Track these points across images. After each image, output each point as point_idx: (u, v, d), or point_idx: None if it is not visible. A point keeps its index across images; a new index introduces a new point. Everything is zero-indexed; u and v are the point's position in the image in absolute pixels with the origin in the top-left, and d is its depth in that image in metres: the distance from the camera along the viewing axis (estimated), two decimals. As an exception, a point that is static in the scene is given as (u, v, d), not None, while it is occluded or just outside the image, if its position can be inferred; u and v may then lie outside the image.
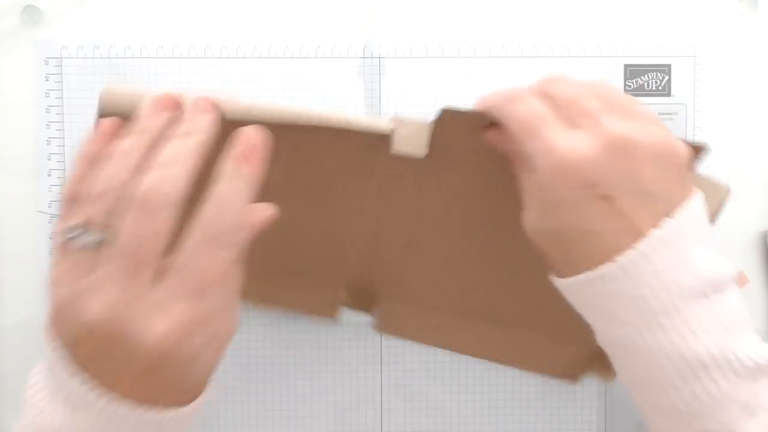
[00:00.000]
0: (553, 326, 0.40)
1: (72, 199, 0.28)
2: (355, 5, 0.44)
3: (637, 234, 0.28)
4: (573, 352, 0.41)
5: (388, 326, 0.42)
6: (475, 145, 0.34)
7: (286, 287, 0.40)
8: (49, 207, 0.43)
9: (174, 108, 0.30)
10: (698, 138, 0.44)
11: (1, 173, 0.44)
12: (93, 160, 0.29)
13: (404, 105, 0.44)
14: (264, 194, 0.30)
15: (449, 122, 0.34)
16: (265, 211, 0.31)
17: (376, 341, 0.44)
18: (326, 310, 0.41)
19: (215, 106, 0.30)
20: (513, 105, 0.30)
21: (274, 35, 0.44)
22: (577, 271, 0.29)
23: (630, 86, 0.44)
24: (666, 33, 0.44)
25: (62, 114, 0.43)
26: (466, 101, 0.44)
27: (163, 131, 0.29)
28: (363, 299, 0.41)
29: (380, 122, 0.34)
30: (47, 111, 0.43)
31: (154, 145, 0.28)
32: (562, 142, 0.28)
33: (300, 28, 0.44)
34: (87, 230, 0.27)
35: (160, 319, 0.26)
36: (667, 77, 0.44)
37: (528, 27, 0.44)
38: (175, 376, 0.28)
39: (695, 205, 0.29)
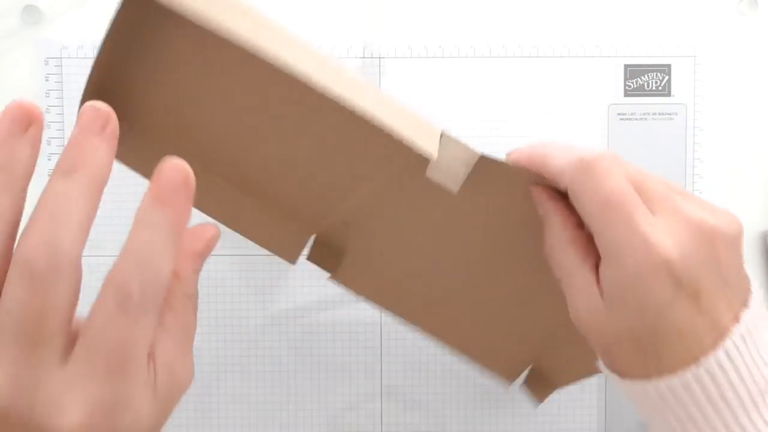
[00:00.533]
0: (514, 333, 0.38)
1: None
2: (355, 5, 0.44)
3: (720, 332, 0.25)
4: (518, 353, 0.40)
5: (343, 276, 0.38)
6: (512, 196, 0.31)
7: (253, 211, 0.36)
8: (49, 207, 0.43)
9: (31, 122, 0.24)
10: (698, 139, 0.44)
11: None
12: None
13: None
14: (262, 107, 0.27)
15: (490, 170, 0.30)
16: (199, 244, 0.27)
17: (376, 342, 0.44)
18: (287, 252, 0.37)
19: (111, 121, 0.24)
20: (592, 177, 0.26)
21: (274, 35, 0.44)
22: (652, 374, 0.26)
23: (630, 86, 0.44)
24: (666, 33, 0.44)
25: (62, 114, 0.43)
26: (466, 102, 0.44)
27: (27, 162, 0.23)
28: (328, 256, 0.37)
29: (425, 142, 0.30)
30: (47, 111, 0.43)
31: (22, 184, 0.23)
32: (658, 235, 0.25)
33: (300, 28, 0.44)
34: None
35: (71, 403, 0.22)
36: (667, 77, 0.44)
37: (528, 27, 0.44)
38: None
39: (755, 285, 0.28)
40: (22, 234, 0.23)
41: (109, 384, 0.22)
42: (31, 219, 0.23)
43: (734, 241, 0.26)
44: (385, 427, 0.44)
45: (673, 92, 0.44)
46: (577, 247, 0.28)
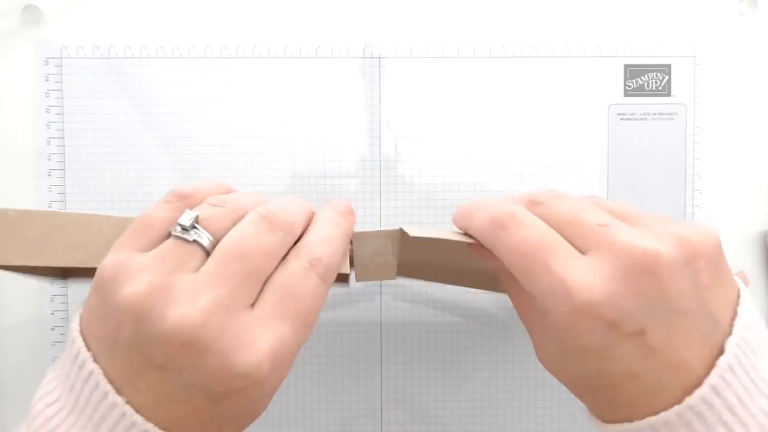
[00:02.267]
0: None
1: (184, 197, 0.27)
2: (355, 5, 0.44)
3: (688, 370, 0.23)
4: None
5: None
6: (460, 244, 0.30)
7: None
8: (49, 207, 0.43)
9: None
10: (698, 139, 0.44)
11: (1, 173, 0.44)
12: (222, 189, 0.29)
13: (404, 105, 0.44)
14: None
15: (412, 241, 0.29)
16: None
17: (376, 342, 0.44)
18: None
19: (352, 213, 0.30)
20: (505, 232, 0.26)
21: (274, 35, 0.44)
22: (627, 418, 0.24)
23: (630, 86, 0.44)
24: (666, 33, 0.44)
25: (62, 114, 0.43)
26: (466, 102, 0.44)
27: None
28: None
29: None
30: (47, 111, 0.43)
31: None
32: (576, 278, 0.23)
33: (300, 28, 0.44)
34: (200, 228, 0.25)
35: (263, 338, 0.24)
36: (667, 77, 0.44)
37: (528, 27, 0.44)
38: (251, 407, 0.25)
39: (746, 305, 0.25)
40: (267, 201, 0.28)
41: (293, 327, 0.25)
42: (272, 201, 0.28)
43: (683, 261, 0.23)
44: (385, 427, 0.44)
45: (673, 92, 0.44)
46: (529, 298, 0.27)
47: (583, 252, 0.25)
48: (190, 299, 0.23)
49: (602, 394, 0.25)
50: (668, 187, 0.44)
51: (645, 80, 0.44)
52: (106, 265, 0.25)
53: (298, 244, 0.27)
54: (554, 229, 0.25)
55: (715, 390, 0.22)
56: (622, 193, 0.44)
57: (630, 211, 0.26)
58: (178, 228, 0.25)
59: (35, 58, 0.43)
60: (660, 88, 0.44)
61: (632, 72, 0.44)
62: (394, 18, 0.44)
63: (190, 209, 0.26)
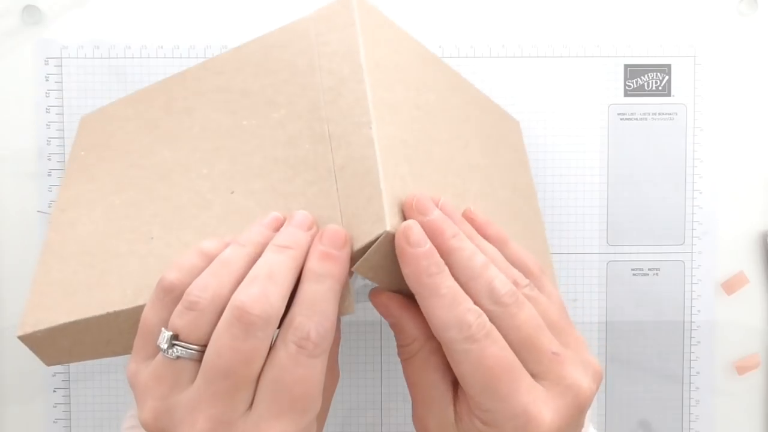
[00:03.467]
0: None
1: (169, 290, 0.27)
2: (355, 5, 0.44)
3: None
4: None
5: None
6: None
7: None
8: (49, 207, 0.43)
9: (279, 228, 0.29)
10: (698, 139, 0.44)
11: (1, 173, 0.44)
12: (206, 258, 0.28)
13: (404, 105, 0.44)
14: None
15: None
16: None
17: (376, 341, 0.44)
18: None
19: (314, 224, 0.28)
20: (478, 347, 0.26)
21: (274, 35, 0.44)
22: None
23: (630, 86, 0.44)
24: (666, 33, 0.44)
25: (62, 114, 0.43)
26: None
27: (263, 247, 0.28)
28: None
29: None
30: (47, 111, 0.43)
31: (253, 260, 0.27)
32: (538, 410, 0.26)
33: (300, 28, 0.44)
34: (182, 342, 0.26)
35: None
36: (667, 77, 0.44)
37: (528, 27, 0.44)
38: None
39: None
40: (241, 286, 0.26)
41: (293, 421, 0.25)
42: (251, 275, 0.26)
43: (589, 403, 0.28)
44: (385, 428, 0.44)
45: (673, 92, 0.44)
46: (437, 363, 0.28)
47: (535, 376, 0.27)
48: (190, 423, 0.25)
49: None
50: (668, 187, 0.44)
51: (645, 80, 0.44)
52: (128, 377, 0.28)
53: (285, 322, 0.26)
54: (512, 346, 0.26)
55: None
56: (623, 194, 0.44)
57: (565, 326, 0.29)
58: (164, 345, 0.26)
59: (35, 58, 0.43)
60: (660, 88, 0.44)
61: (632, 72, 0.44)
62: (393, 18, 0.44)
63: (178, 302, 0.27)
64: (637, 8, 0.44)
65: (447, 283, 0.26)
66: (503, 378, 0.26)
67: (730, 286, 0.44)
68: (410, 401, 0.30)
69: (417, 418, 0.29)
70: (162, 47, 0.43)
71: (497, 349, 0.26)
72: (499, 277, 0.27)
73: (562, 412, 0.26)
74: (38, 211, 0.44)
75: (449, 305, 0.26)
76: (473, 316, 0.26)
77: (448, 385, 0.28)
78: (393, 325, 0.29)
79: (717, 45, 0.44)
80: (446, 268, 0.27)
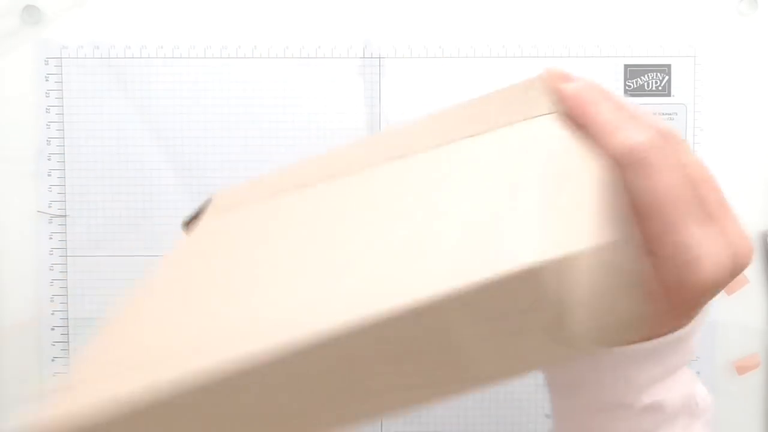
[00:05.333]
0: None
1: None
2: (355, 5, 0.44)
3: None
4: None
5: None
6: None
7: None
8: (49, 207, 0.43)
9: None
10: (698, 139, 0.44)
11: (1, 173, 0.44)
12: None
13: (404, 105, 0.44)
14: None
15: None
16: None
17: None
18: None
19: None
20: (650, 172, 0.24)
21: (274, 35, 0.44)
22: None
23: (630, 86, 0.44)
24: (666, 33, 0.44)
25: (62, 114, 0.43)
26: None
27: None
28: None
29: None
30: (47, 111, 0.43)
31: None
32: (709, 252, 0.24)
33: (300, 28, 0.44)
34: None
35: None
36: (667, 77, 0.44)
37: (528, 27, 0.44)
38: None
39: None
40: None
41: None
42: None
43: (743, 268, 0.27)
44: (385, 428, 0.44)
45: (673, 92, 0.44)
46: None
47: (702, 221, 0.25)
48: None
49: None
50: (668, 187, 0.44)
51: (645, 80, 0.44)
52: None
53: None
54: (693, 192, 0.25)
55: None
56: (622, 193, 0.44)
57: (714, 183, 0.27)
58: None
59: (35, 58, 0.43)
60: (660, 88, 0.44)
61: (632, 72, 0.44)
62: (394, 18, 0.44)
63: None
64: (637, 8, 0.44)
65: (609, 105, 0.25)
66: (673, 213, 0.24)
67: (730, 286, 0.44)
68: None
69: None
70: (162, 47, 0.43)
71: (668, 177, 0.24)
72: (659, 117, 0.26)
73: (721, 266, 0.24)
74: (38, 211, 0.44)
75: (618, 128, 0.24)
76: (645, 136, 0.24)
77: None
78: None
79: (717, 45, 0.44)
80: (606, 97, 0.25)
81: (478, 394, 0.44)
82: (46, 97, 0.43)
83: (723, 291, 0.44)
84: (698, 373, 0.44)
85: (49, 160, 0.43)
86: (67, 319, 0.44)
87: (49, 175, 0.43)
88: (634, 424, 0.26)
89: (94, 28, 0.44)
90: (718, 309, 0.44)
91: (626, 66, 0.44)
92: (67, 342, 0.43)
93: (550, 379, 0.28)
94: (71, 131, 0.43)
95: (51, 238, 0.43)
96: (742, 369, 0.44)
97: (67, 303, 0.44)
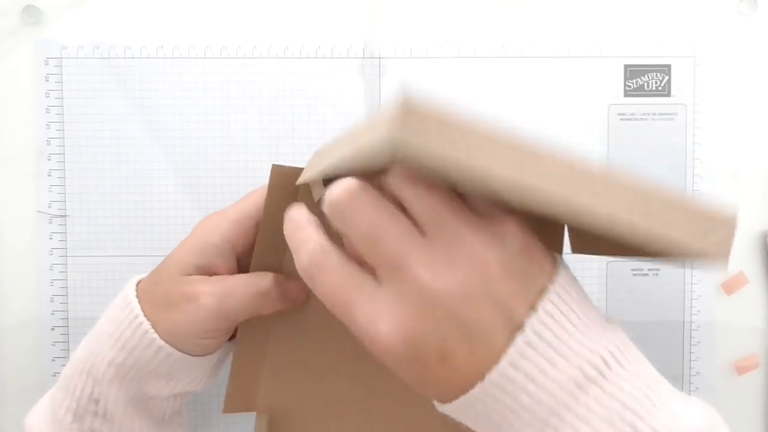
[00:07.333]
0: None
1: None
2: (355, 5, 0.44)
3: (494, 357, 0.24)
4: None
5: None
6: None
7: None
8: (49, 207, 0.43)
9: None
10: (698, 139, 0.44)
11: (1, 173, 0.44)
12: None
13: (404, 105, 0.44)
14: None
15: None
16: None
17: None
18: None
19: None
20: (314, 285, 0.26)
21: (274, 35, 0.44)
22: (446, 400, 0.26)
23: (630, 86, 0.44)
24: (666, 33, 0.44)
25: (62, 114, 0.43)
26: (466, 102, 0.44)
27: None
28: None
29: None
30: (47, 111, 0.43)
31: None
32: (377, 329, 0.25)
33: (300, 28, 0.44)
34: None
35: None
36: (667, 77, 0.44)
37: (528, 27, 0.44)
38: None
39: (560, 282, 0.25)
40: None
41: None
42: None
43: (487, 288, 0.24)
44: None
45: (673, 92, 0.44)
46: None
47: (377, 277, 0.25)
48: None
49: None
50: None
51: (645, 80, 0.44)
52: None
53: None
54: (361, 248, 0.25)
55: (513, 365, 0.24)
56: (622, 193, 0.44)
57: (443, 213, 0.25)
58: None
59: (35, 58, 0.43)
60: (660, 88, 0.44)
61: (632, 72, 0.44)
62: (394, 18, 0.44)
63: None
64: (637, 8, 0.44)
65: (295, 234, 0.28)
66: (340, 306, 0.26)
67: (730, 286, 0.44)
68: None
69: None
70: (162, 47, 0.43)
71: (330, 277, 0.26)
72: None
73: (410, 317, 0.24)
74: (38, 211, 0.44)
75: (296, 247, 0.27)
76: (304, 254, 0.26)
77: None
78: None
79: (717, 45, 0.44)
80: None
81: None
82: (46, 97, 0.43)
83: (723, 291, 0.44)
84: (698, 373, 0.44)
85: (49, 160, 0.43)
86: (67, 319, 0.44)
87: (49, 175, 0.43)
88: None
89: (94, 28, 0.44)
90: (718, 309, 0.44)
91: (626, 66, 0.44)
92: (67, 342, 0.43)
93: None
94: (71, 131, 0.43)
95: (51, 238, 0.43)
96: (741, 369, 0.44)
97: (67, 303, 0.44)
